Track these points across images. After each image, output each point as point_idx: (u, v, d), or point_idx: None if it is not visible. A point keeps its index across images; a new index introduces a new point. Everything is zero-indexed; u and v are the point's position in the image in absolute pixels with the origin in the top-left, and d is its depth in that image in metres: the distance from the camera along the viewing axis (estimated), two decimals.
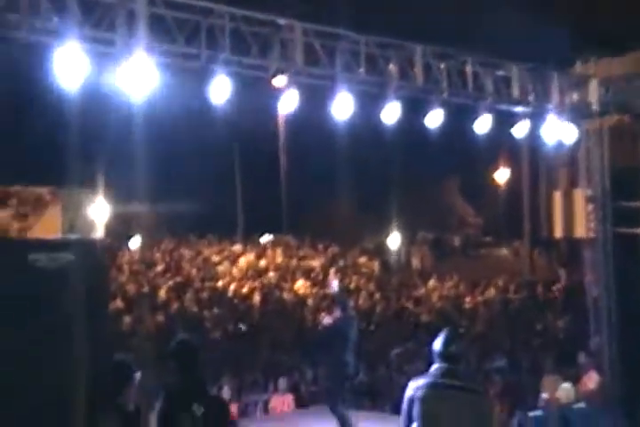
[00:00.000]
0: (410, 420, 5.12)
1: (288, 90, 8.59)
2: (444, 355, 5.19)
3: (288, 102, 8.90)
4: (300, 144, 21.68)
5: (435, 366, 5.23)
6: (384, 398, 13.37)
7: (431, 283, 22.34)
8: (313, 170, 24.29)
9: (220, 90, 8.69)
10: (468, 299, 20.85)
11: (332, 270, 11.53)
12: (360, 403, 13.19)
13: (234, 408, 11.74)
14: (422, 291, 21.86)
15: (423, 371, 5.40)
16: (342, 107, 8.86)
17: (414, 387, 5.17)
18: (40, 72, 8.14)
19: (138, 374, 5.47)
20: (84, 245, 6.12)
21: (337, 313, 9.47)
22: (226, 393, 12.06)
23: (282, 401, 12.81)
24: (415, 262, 25.21)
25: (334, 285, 9.65)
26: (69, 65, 7.90)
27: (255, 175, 26.34)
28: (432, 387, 5.10)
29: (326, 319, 9.66)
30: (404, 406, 5.19)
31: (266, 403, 12.81)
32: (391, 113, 9.12)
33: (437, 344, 5.25)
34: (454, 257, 26.22)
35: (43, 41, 7.95)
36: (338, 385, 9.45)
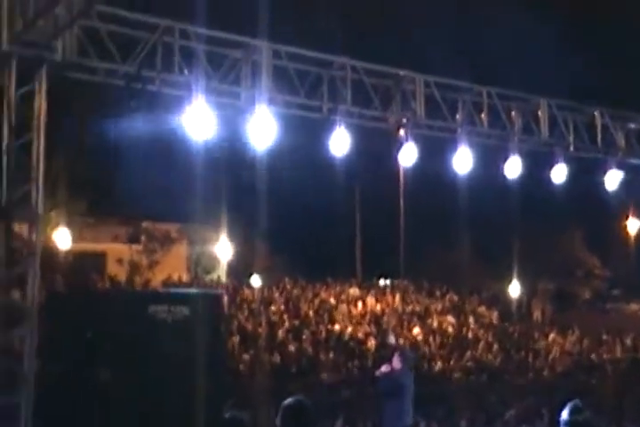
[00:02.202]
0: None
1: (407, 143, 8.58)
2: (574, 424, 4.90)
3: (408, 154, 8.90)
4: (420, 191, 21.57)
5: None
6: None
7: (552, 336, 21.48)
8: (432, 217, 24.08)
9: (341, 141, 8.80)
10: (592, 356, 19.89)
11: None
12: None
13: None
14: (542, 344, 21.05)
15: None
16: (463, 160, 8.77)
17: None
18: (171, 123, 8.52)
19: None
20: (202, 299, 6.26)
21: (396, 364, 9.35)
22: None
23: None
24: (536, 314, 24.35)
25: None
26: (198, 116, 8.24)
27: (374, 220, 26.35)
28: None
29: (384, 368, 9.55)
30: None
31: None
32: (513, 167, 8.94)
33: (564, 413, 4.97)
34: (578, 310, 25.15)
35: (175, 93, 8.32)
36: None
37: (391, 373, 9.36)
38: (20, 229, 7.20)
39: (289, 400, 5.20)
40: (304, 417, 4.91)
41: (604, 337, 21.43)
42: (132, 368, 5.33)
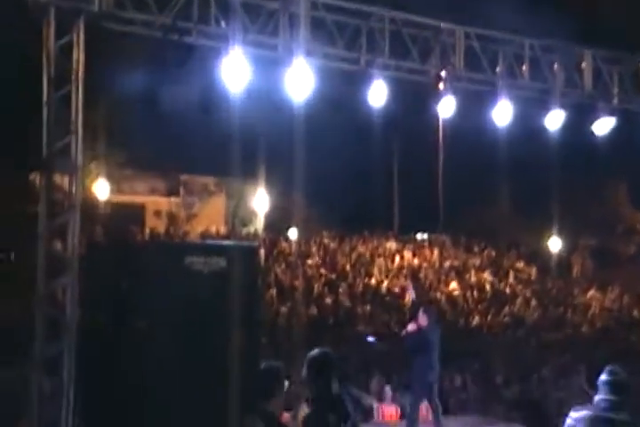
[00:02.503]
0: None
1: (446, 95, 8.44)
2: (610, 385, 4.87)
3: (446, 107, 8.77)
4: (460, 144, 21.30)
5: (599, 398, 4.90)
6: (537, 413, 12.76)
7: (591, 293, 21.34)
8: (471, 171, 23.82)
9: (379, 93, 8.69)
10: (633, 312, 19.74)
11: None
12: (510, 416, 12.78)
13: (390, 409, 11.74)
14: (582, 300, 20.94)
15: (580, 389, 5.12)
16: (502, 113, 8.61)
17: (576, 418, 4.84)
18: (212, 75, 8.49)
19: (287, 383, 5.51)
20: (239, 251, 6.24)
21: (422, 320, 9.45)
22: (387, 393, 12.00)
23: (388, 410, 12.60)
24: (575, 270, 24.13)
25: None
26: (235, 69, 8.19)
27: (413, 174, 26.17)
28: (595, 421, 4.77)
29: (411, 326, 9.66)
30: None
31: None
32: (555, 120, 8.76)
33: (603, 375, 4.96)
34: (619, 267, 24.83)
35: (211, 45, 8.27)
36: (421, 389, 9.62)
37: (418, 330, 9.49)
38: (62, 180, 7.29)
39: (314, 352, 5.25)
40: (328, 369, 4.96)
41: None
42: (168, 319, 5.37)
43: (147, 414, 5.16)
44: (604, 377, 4.94)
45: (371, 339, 16.26)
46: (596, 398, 4.93)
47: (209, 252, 5.83)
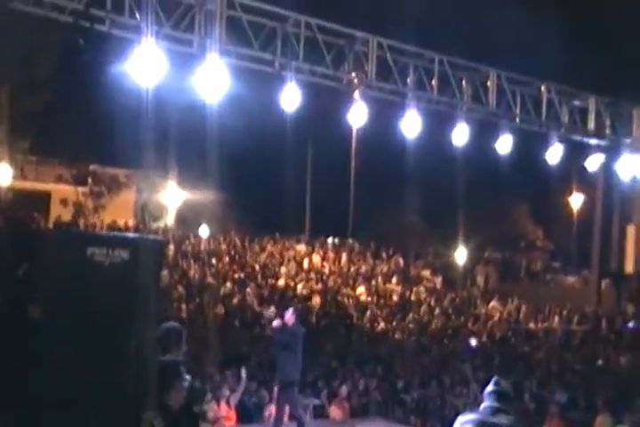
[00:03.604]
0: None
1: (357, 102, 8.56)
2: (495, 394, 5.14)
3: (358, 114, 8.88)
4: (371, 152, 21.67)
5: (484, 405, 5.15)
6: (434, 418, 13.03)
7: (492, 303, 21.94)
8: (382, 179, 24.20)
9: (292, 96, 8.74)
10: (530, 325, 20.38)
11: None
12: (409, 420, 13.02)
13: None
14: (483, 310, 21.49)
15: (475, 397, 5.32)
16: (411, 124, 8.78)
17: (463, 422, 5.06)
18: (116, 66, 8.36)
19: (187, 376, 5.49)
20: (143, 244, 6.17)
21: (290, 318, 9.69)
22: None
23: (340, 408, 12.70)
24: (479, 281, 24.77)
25: (292, 317, 9.79)
26: (147, 61, 8.10)
27: (326, 178, 26.39)
28: (480, 424, 4.99)
29: (276, 322, 9.92)
30: None
31: (320, 408, 12.61)
32: (460, 134, 8.99)
33: (490, 385, 5.22)
34: (519, 280, 25.65)
35: (124, 36, 8.16)
36: (287, 386, 9.74)
37: (285, 326, 9.72)
38: None
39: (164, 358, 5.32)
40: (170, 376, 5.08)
41: (542, 307, 21.95)
42: (64, 307, 5.28)
43: (41, 396, 5.06)
44: (489, 388, 5.21)
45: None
46: (482, 405, 5.19)
47: (112, 244, 5.74)
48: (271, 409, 10.30)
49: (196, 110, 11.09)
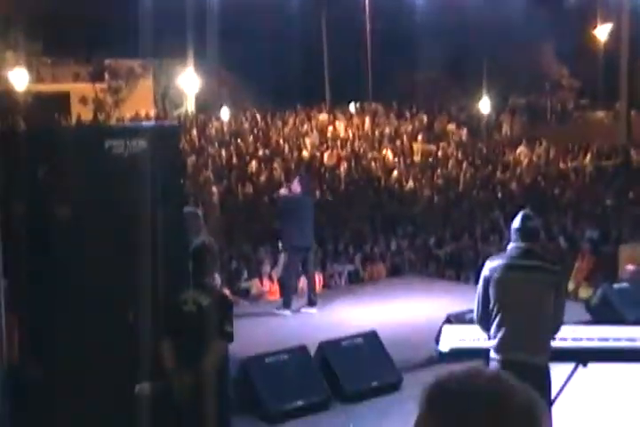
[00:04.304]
0: (486, 301, 4.99)
1: None
2: (521, 232, 5.01)
3: None
4: (386, 10, 20.97)
5: (511, 246, 5.07)
6: (469, 268, 13.30)
7: (520, 149, 21.88)
8: (400, 37, 23.54)
9: None
10: (559, 165, 20.37)
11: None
12: (444, 274, 13.33)
13: (324, 277, 12.09)
14: (511, 158, 21.50)
15: (508, 242, 5.17)
16: None
17: (490, 268, 5.00)
18: None
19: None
20: (158, 132, 6.22)
21: (295, 187, 9.82)
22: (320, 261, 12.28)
23: (375, 270, 12.97)
24: (505, 129, 24.57)
25: (297, 185, 9.84)
26: None
27: (341, 43, 25.77)
28: (508, 269, 4.94)
29: (283, 190, 10.06)
30: (480, 287, 5.05)
31: (354, 273, 12.88)
32: None
33: (515, 222, 5.07)
34: (546, 122, 25.35)
35: None
36: (293, 254, 9.84)
37: (290, 194, 9.86)
38: None
39: (196, 241, 5.49)
40: (210, 256, 5.23)
41: (571, 147, 21.89)
42: (90, 203, 5.45)
43: (75, 295, 5.34)
44: (516, 224, 5.06)
45: None
46: (509, 246, 5.12)
47: (129, 134, 5.80)
48: (301, 281, 10.59)
49: None
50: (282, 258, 11.87)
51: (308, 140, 21.93)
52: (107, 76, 26.23)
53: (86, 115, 23.55)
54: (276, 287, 11.49)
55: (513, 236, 5.08)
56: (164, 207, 5.69)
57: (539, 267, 4.96)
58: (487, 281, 4.99)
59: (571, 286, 11.09)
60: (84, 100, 24.86)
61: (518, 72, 26.63)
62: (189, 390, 4.82)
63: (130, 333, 5.22)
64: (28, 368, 5.16)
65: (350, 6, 23.49)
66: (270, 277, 11.64)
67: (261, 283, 11.56)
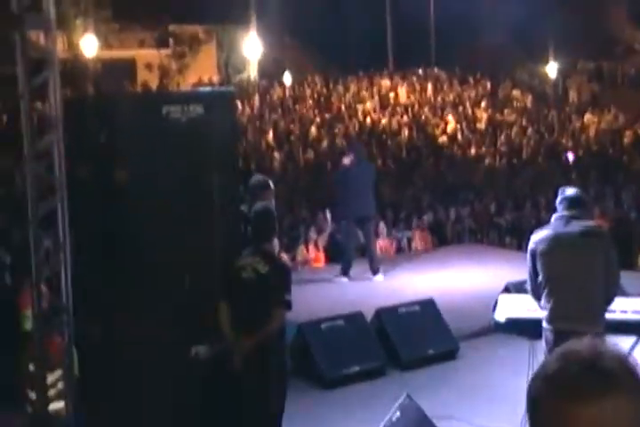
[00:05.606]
0: (535, 274, 4.99)
1: None
2: (564, 201, 5.00)
3: None
4: None
5: (555, 216, 5.04)
6: (529, 237, 13.04)
7: (588, 116, 21.31)
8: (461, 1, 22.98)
9: None
10: (627, 133, 19.79)
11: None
12: (504, 242, 13.21)
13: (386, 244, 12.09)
14: (578, 125, 20.96)
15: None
16: None
17: (535, 241, 4.99)
18: None
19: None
20: (214, 97, 6.28)
21: (346, 159, 9.71)
22: (382, 228, 12.26)
23: (422, 239, 12.91)
24: (572, 95, 23.89)
25: (351, 156, 9.70)
26: None
27: (403, 8, 25.34)
28: (552, 240, 4.91)
29: (346, 160, 9.92)
30: (528, 261, 5.04)
31: (410, 240, 12.85)
32: None
33: (559, 195, 5.08)
34: (617, 89, 24.55)
35: None
36: (348, 224, 9.89)
37: (343, 165, 9.82)
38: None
39: (257, 206, 5.47)
40: (271, 221, 5.22)
41: None
42: (148, 168, 5.53)
43: (134, 259, 5.45)
44: (558, 197, 5.07)
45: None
46: (553, 216, 5.09)
47: (185, 100, 5.88)
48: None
49: None
50: (329, 227, 11.93)
51: (369, 106, 21.76)
52: (171, 42, 26.38)
53: (152, 81, 23.79)
54: (321, 255, 11.53)
55: (558, 208, 5.06)
56: (221, 171, 5.75)
57: (583, 232, 4.90)
58: (533, 254, 4.99)
59: None
60: (149, 67, 25.06)
61: (588, 34, 25.74)
62: (246, 356, 4.88)
63: (187, 295, 5.31)
64: (87, 330, 5.31)
65: None
66: (316, 245, 11.64)
67: (307, 250, 11.56)
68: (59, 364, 5.31)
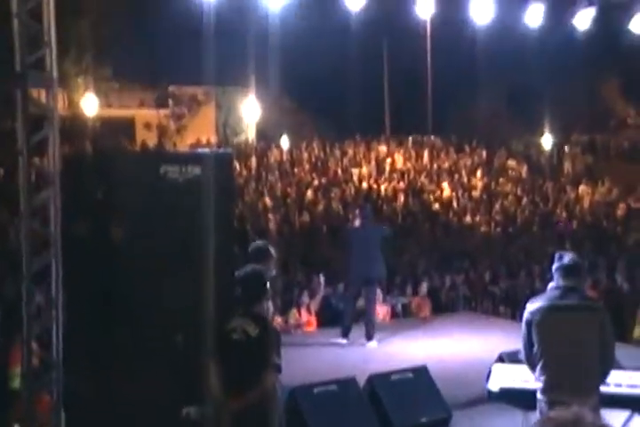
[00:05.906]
0: (530, 344, 4.95)
1: None
2: (560, 270, 4.92)
3: (426, 6, 8.64)
4: (446, 45, 21.00)
5: (551, 286, 4.98)
6: (523, 306, 12.96)
7: (582, 188, 21.51)
8: (459, 71, 23.49)
9: None
10: (621, 206, 19.94)
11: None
12: (498, 311, 13.14)
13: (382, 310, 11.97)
14: (572, 196, 21.13)
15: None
16: (482, 11, 8.49)
17: (530, 311, 4.94)
18: None
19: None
20: (212, 159, 6.33)
21: (355, 220, 9.86)
22: (378, 294, 12.13)
23: (422, 305, 12.81)
24: (567, 166, 24.18)
25: (358, 218, 9.91)
26: None
27: (402, 76, 25.87)
28: (547, 311, 4.87)
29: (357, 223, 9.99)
30: (523, 330, 4.99)
31: (407, 306, 12.76)
32: (535, 15, 8.65)
33: (555, 262, 4.99)
34: (610, 161, 24.89)
35: None
36: (352, 284, 9.98)
37: (351, 226, 9.93)
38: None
39: (247, 268, 5.36)
40: (261, 283, 5.13)
41: (635, 187, 21.40)
42: (144, 226, 5.54)
43: (126, 317, 5.40)
44: (554, 265, 4.98)
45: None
46: (550, 285, 5.03)
47: (183, 160, 5.94)
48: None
49: (264, 21, 10.97)
50: (322, 290, 11.85)
51: (366, 171, 21.94)
52: (170, 102, 26.78)
53: (150, 140, 24.03)
54: (313, 319, 11.45)
55: (554, 276, 4.99)
56: (216, 232, 5.75)
57: (579, 306, 4.86)
58: (529, 325, 4.94)
59: (637, 332, 10.79)
60: (148, 126, 25.38)
61: (583, 108, 26.23)
62: (238, 418, 4.78)
63: (178, 355, 5.24)
64: (77, 388, 5.21)
65: (411, 40, 23.66)
66: (308, 309, 11.56)
67: (299, 314, 11.46)
68: (46, 423, 5.19)
